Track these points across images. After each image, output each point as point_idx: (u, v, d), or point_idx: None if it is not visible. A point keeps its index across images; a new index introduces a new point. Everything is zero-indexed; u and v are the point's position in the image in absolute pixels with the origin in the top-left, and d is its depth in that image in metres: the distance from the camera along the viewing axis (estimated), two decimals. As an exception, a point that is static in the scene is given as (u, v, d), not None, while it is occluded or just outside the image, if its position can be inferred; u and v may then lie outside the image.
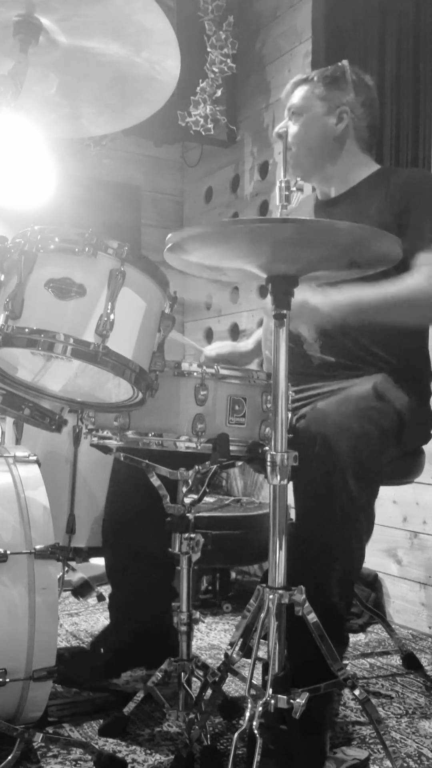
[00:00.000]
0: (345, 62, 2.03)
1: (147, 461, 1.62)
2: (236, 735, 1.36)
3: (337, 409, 1.63)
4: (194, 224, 4.09)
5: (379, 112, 2.88)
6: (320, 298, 1.72)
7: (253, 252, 1.35)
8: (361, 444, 1.60)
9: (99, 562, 2.85)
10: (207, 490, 1.62)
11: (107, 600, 2.58)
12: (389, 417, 1.74)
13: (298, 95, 2.02)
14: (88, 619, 2.64)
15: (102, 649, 1.92)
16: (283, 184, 1.38)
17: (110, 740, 1.69)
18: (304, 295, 1.70)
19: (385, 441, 1.70)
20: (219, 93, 3.40)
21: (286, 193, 1.37)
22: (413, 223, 1.84)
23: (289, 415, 1.51)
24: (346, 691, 1.88)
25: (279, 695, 1.34)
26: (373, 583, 2.77)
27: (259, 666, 1.45)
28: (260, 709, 1.33)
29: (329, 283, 1.75)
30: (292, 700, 1.33)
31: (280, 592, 1.37)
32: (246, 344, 2.29)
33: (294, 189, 1.40)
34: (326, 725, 1.57)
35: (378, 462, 1.68)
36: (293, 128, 2.00)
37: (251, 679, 1.42)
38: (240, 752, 1.43)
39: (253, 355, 2.24)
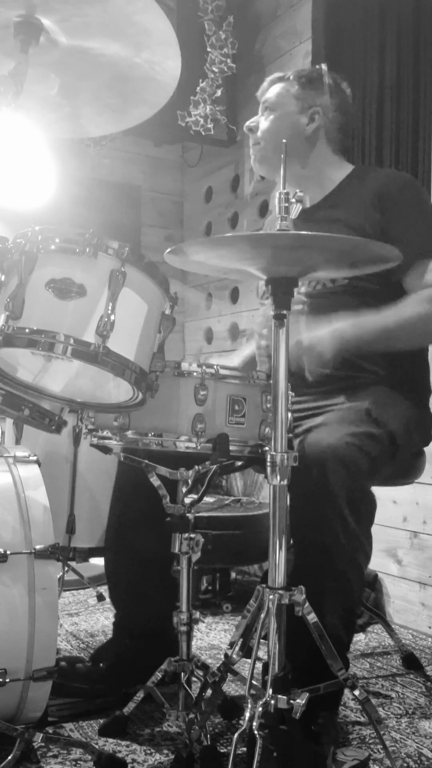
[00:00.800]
0: (323, 66, 2.03)
1: (147, 461, 1.62)
2: (236, 735, 1.36)
3: (328, 439, 1.59)
4: (194, 224, 4.10)
5: (380, 112, 2.89)
6: (324, 337, 1.70)
7: (254, 255, 1.35)
8: (353, 477, 1.57)
9: (99, 562, 2.85)
10: (207, 490, 1.62)
11: (107, 600, 2.60)
12: (382, 443, 1.70)
13: (273, 91, 2.02)
14: (88, 619, 2.64)
15: (102, 664, 1.90)
16: (282, 196, 1.37)
17: (110, 740, 1.69)
18: (307, 336, 1.69)
19: (376, 471, 1.67)
20: (219, 93, 3.41)
21: (286, 204, 1.37)
22: (402, 233, 1.81)
23: (289, 415, 1.51)
24: (346, 691, 1.89)
25: (279, 695, 1.34)
26: (373, 583, 2.77)
27: (259, 666, 1.45)
28: (260, 709, 1.33)
29: (335, 303, 1.76)
30: (292, 701, 1.33)
31: (280, 592, 1.37)
32: (231, 360, 2.25)
33: (293, 200, 1.39)
34: (329, 739, 1.55)
35: (371, 493, 1.65)
36: (264, 123, 2.00)
37: (251, 679, 1.42)
38: (240, 752, 1.43)
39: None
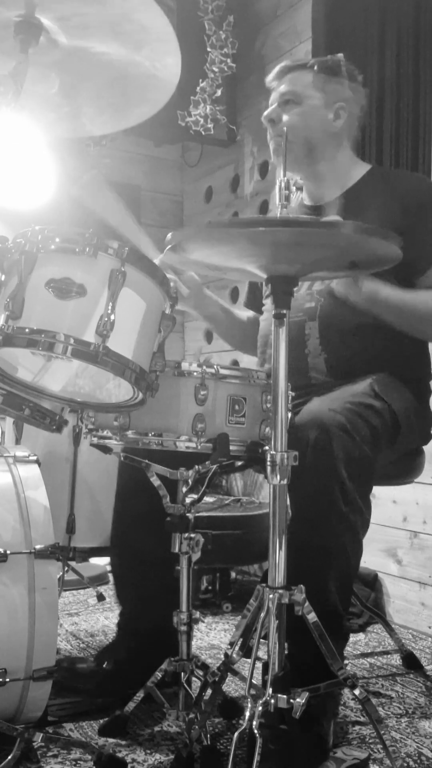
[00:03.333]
0: (340, 55, 1.94)
1: (147, 461, 1.62)
2: (236, 735, 1.36)
3: (330, 405, 1.61)
4: (194, 223, 4.10)
5: (380, 112, 2.88)
6: (369, 285, 1.73)
7: (253, 253, 1.35)
8: (353, 441, 1.58)
9: (99, 562, 2.85)
10: (207, 490, 1.62)
11: (107, 600, 2.60)
12: (383, 417, 1.71)
13: (293, 81, 1.91)
14: (88, 619, 2.64)
15: (106, 665, 1.90)
16: (282, 184, 1.36)
17: (110, 740, 1.69)
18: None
19: (377, 440, 1.67)
20: (219, 93, 3.41)
21: (286, 192, 1.36)
22: (423, 238, 1.81)
23: (290, 414, 1.51)
24: (346, 691, 1.89)
25: (279, 695, 1.34)
26: (373, 582, 2.77)
27: (259, 666, 1.45)
28: (260, 708, 1.33)
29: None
30: (292, 700, 1.33)
31: (280, 591, 1.37)
32: (240, 314, 2.22)
33: (294, 188, 1.38)
34: (328, 718, 1.56)
35: (370, 459, 1.65)
36: (289, 117, 1.89)
37: (251, 679, 1.42)
38: (240, 752, 1.43)
39: (242, 328, 2.19)
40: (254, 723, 1.32)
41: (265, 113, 1.95)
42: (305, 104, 1.90)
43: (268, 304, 2.04)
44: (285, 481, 1.38)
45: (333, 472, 1.56)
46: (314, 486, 1.55)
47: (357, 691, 1.46)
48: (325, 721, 1.54)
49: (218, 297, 2.13)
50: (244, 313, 2.23)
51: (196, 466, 1.58)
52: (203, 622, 2.62)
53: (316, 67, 1.91)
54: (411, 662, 2.22)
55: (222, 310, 2.13)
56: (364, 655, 2.34)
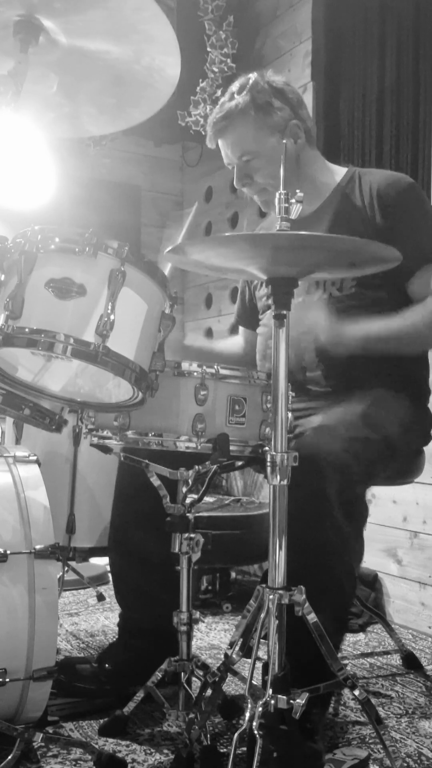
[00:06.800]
0: (252, 75, 1.90)
1: (147, 461, 1.62)
2: (236, 735, 1.36)
3: (323, 445, 1.59)
4: (194, 224, 4.10)
5: (380, 113, 2.88)
6: (349, 330, 1.74)
7: (254, 255, 1.35)
8: (348, 481, 1.57)
9: (99, 562, 2.85)
10: (207, 490, 1.62)
11: (107, 600, 2.59)
12: (377, 446, 1.70)
13: (240, 139, 1.89)
14: (88, 619, 2.64)
15: (107, 665, 1.89)
16: (282, 196, 1.37)
17: (110, 740, 1.69)
18: (318, 317, 1.71)
19: (371, 473, 1.67)
20: (219, 93, 3.40)
21: (286, 205, 1.37)
22: (405, 238, 1.77)
23: (289, 415, 1.51)
24: (346, 691, 1.89)
25: (279, 695, 1.34)
26: (373, 582, 2.77)
27: (259, 666, 1.45)
28: (260, 709, 1.33)
29: (344, 311, 1.79)
30: (291, 701, 1.33)
31: (280, 592, 1.37)
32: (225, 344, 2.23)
33: (294, 201, 1.39)
34: (320, 734, 1.55)
35: (363, 498, 1.66)
36: (259, 173, 1.90)
37: (251, 679, 1.41)
38: (240, 752, 1.43)
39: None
40: (254, 723, 1.32)
41: (236, 181, 1.95)
42: (264, 151, 1.88)
43: (265, 318, 2.04)
44: (285, 482, 1.38)
45: (328, 514, 1.55)
46: (309, 526, 1.53)
47: (357, 692, 1.46)
48: (318, 737, 1.53)
49: (197, 337, 2.17)
50: (229, 341, 2.25)
51: (196, 466, 1.58)
52: (203, 622, 2.63)
53: (252, 112, 1.87)
54: (411, 662, 2.22)
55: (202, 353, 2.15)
56: (364, 655, 2.34)
